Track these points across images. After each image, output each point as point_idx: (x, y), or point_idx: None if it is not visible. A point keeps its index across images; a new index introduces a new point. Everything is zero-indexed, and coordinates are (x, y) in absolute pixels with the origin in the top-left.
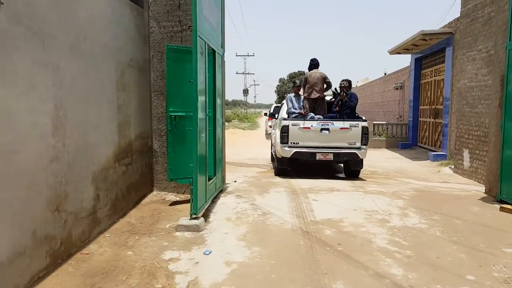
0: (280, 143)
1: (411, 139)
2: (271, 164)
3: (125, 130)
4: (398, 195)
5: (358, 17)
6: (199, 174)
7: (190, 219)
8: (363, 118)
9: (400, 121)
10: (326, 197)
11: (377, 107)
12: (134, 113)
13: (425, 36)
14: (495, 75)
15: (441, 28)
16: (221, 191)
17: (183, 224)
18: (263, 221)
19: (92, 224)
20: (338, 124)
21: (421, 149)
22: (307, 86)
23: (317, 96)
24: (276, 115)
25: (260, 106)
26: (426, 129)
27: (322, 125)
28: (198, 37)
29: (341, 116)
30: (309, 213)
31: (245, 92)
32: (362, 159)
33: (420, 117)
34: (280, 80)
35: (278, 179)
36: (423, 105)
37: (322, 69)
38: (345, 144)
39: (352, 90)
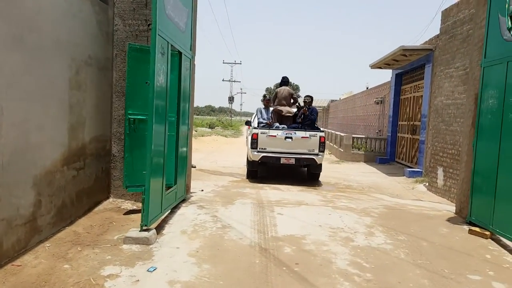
0: (251, 148)
1: (389, 154)
2: (245, 174)
3: (78, 132)
4: (367, 212)
5: (343, 28)
6: (153, 182)
7: (140, 231)
8: (321, 129)
9: (380, 135)
10: (293, 211)
11: (359, 121)
12: (90, 114)
13: (405, 51)
14: (469, 93)
15: (421, 44)
16: (183, 201)
17: (131, 236)
18: (221, 235)
19: (31, 233)
20: (300, 133)
21: (398, 164)
22: (276, 100)
23: (284, 110)
24: (249, 123)
25: (246, 114)
26: (404, 145)
27: (286, 134)
28: (158, 35)
29: (303, 127)
30: (272, 228)
31: (231, 99)
32: (320, 164)
33: (399, 133)
34: (267, 89)
35: (248, 190)
36: (402, 121)
37: (304, 82)
38: (305, 151)
39: (335, 102)
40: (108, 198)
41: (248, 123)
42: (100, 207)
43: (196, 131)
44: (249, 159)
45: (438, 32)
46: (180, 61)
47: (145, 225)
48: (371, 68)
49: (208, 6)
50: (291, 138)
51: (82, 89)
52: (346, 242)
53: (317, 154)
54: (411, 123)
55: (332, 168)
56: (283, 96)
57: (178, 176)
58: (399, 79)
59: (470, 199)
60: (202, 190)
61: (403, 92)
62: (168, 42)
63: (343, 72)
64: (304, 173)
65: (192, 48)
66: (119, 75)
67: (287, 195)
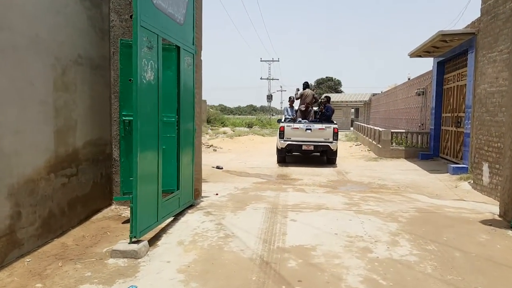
0: (279, 138)
1: (432, 149)
2: (273, 174)
3: (68, 136)
4: (395, 216)
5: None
6: (144, 189)
7: (129, 243)
8: (335, 122)
9: (422, 129)
10: (308, 216)
11: (401, 114)
12: (83, 117)
13: (444, 37)
14: None
15: (463, 28)
16: (191, 206)
17: (119, 249)
18: (221, 246)
19: (8, 247)
20: (317, 125)
21: (442, 160)
22: (301, 100)
23: (305, 107)
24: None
25: (284, 107)
26: (449, 139)
27: (306, 126)
28: (140, 27)
29: (320, 121)
30: (279, 238)
31: (269, 98)
32: (335, 150)
33: (443, 126)
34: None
35: (268, 193)
36: (446, 113)
37: (346, 76)
38: (322, 139)
39: (377, 96)
40: (110, 205)
41: (279, 121)
42: (99, 215)
43: (233, 131)
44: (278, 147)
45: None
46: (178, 56)
47: (134, 237)
48: (410, 57)
49: (242, 6)
50: (310, 129)
51: (71, 90)
52: (363, 254)
53: (331, 142)
54: (455, 114)
55: (368, 166)
56: (306, 96)
57: (181, 181)
58: (442, 68)
59: None
60: (217, 194)
61: (446, 81)
62: (157, 35)
63: (385, 64)
64: (334, 172)
65: (196, 42)
66: (118, 74)
67: (309, 198)
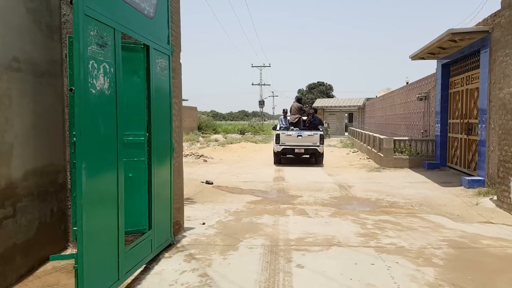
0: (275, 143)
1: (439, 158)
2: (269, 190)
3: None
4: (426, 255)
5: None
6: (94, 240)
7: None
8: (321, 129)
9: (425, 136)
10: (319, 260)
11: (399, 120)
12: (22, 139)
13: (454, 36)
14: None
15: (474, 26)
16: (170, 246)
17: None
18: None
19: None
20: (307, 132)
21: (451, 170)
22: (292, 111)
23: (297, 118)
24: (276, 127)
25: (279, 117)
26: (458, 147)
27: (298, 133)
28: (85, 16)
29: (309, 129)
30: None
31: (261, 103)
32: (321, 152)
33: (450, 132)
34: (299, 91)
35: (265, 218)
36: (453, 119)
37: (337, 80)
38: (311, 144)
39: (371, 101)
40: (65, 248)
41: (274, 128)
42: (48, 265)
43: (225, 138)
44: (274, 151)
45: (496, 11)
46: (148, 58)
47: None
48: (412, 59)
49: (232, 11)
50: (301, 135)
51: (2, 105)
52: None
53: (318, 146)
54: (465, 121)
55: (371, 178)
56: (296, 109)
57: (154, 218)
58: (447, 70)
59: None
60: (204, 223)
61: (452, 85)
62: (114, 29)
63: (378, 69)
64: (336, 189)
65: (172, 41)
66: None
67: (315, 226)
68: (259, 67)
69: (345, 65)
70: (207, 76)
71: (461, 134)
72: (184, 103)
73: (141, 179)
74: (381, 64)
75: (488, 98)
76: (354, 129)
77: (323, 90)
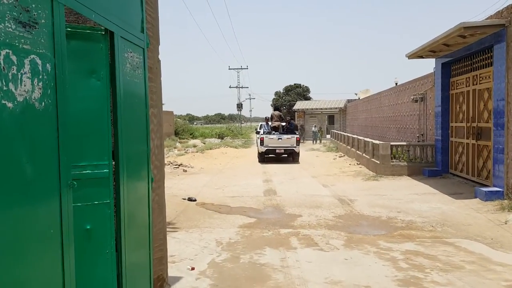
0: (260, 145)
1: (440, 164)
2: (262, 208)
3: None
4: None
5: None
6: None
7: None
8: (297, 133)
9: (422, 140)
10: None
11: (388, 122)
12: None
13: (466, 31)
14: None
15: (487, 19)
16: None
17: None
18: None
19: None
20: (286, 136)
21: (456, 178)
22: (273, 119)
23: (277, 124)
24: (258, 132)
25: (256, 119)
26: (463, 153)
27: (278, 136)
28: None
29: (287, 133)
30: None
31: (239, 106)
32: (298, 152)
33: (452, 137)
34: (276, 93)
35: (268, 254)
36: (456, 122)
37: (315, 82)
38: (289, 145)
39: (354, 102)
40: None
41: (257, 132)
42: None
43: (204, 143)
44: (259, 151)
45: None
46: (112, 50)
47: None
48: (409, 58)
49: (210, 11)
50: (281, 138)
51: None
52: None
53: (295, 147)
54: (473, 124)
55: (371, 189)
56: (276, 116)
57: (126, 280)
58: (447, 70)
59: None
60: (193, 269)
61: (453, 85)
62: (51, 2)
63: (357, 70)
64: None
65: (149, 29)
66: None
67: (334, 266)
68: (236, 69)
69: (321, 67)
70: (182, 78)
71: (468, 138)
72: None
73: (105, 232)
74: (357, 66)
75: (506, 100)
76: (338, 132)
77: (300, 92)
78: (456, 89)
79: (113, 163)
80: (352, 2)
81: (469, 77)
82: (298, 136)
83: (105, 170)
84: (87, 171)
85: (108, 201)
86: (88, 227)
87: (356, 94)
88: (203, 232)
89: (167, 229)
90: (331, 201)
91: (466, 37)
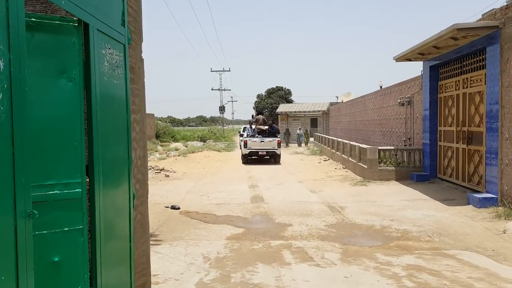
0: (244, 147)
1: (428, 169)
2: (249, 216)
3: None
4: None
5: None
6: None
7: None
8: (278, 136)
9: (409, 144)
10: None
11: (373, 126)
12: None
13: (459, 32)
14: None
15: (479, 21)
16: None
17: None
18: None
19: None
20: (268, 138)
21: (445, 183)
22: (258, 122)
23: (260, 128)
24: (242, 135)
25: (238, 122)
26: (452, 157)
27: (261, 139)
28: None
29: (269, 136)
30: None
31: (222, 109)
32: (279, 154)
33: (441, 141)
34: (258, 96)
35: (261, 272)
36: (445, 126)
37: (296, 85)
38: (271, 147)
39: (337, 105)
40: None
41: (241, 135)
42: None
43: (186, 146)
44: (242, 153)
45: (507, 3)
46: (86, 44)
47: None
48: (396, 60)
49: (192, 11)
50: (263, 141)
51: None
52: None
53: (276, 149)
54: (463, 129)
55: (360, 195)
56: (260, 120)
57: None
58: (435, 73)
59: None
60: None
61: (442, 88)
62: None
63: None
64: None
65: (130, 24)
66: None
67: (334, 285)
68: (218, 72)
69: (303, 70)
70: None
71: (458, 143)
72: None
73: (77, 265)
74: (338, 70)
75: (499, 103)
76: (322, 135)
77: (282, 94)
78: (445, 92)
79: (87, 180)
80: (334, 5)
81: (458, 80)
82: (279, 139)
83: (77, 190)
84: (55, 192)
85: (81, 226)
86: (56, 259)
87: (337, 98)
88: (188, 245)
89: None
90: (321, 209)
91: (457, 39)
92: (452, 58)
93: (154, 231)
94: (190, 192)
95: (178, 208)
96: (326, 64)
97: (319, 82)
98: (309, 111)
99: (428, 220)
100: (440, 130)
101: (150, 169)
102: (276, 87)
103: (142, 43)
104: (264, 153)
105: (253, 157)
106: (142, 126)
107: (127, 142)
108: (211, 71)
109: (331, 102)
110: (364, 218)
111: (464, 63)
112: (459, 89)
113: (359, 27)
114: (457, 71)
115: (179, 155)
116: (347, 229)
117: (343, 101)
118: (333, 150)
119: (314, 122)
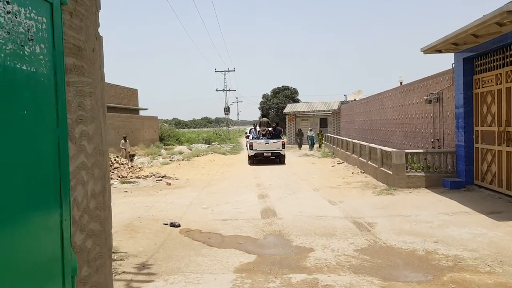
0: (249, 149)
1: (463, 174)
2: (261, 237)
3: None
4: None
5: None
6: None
7: None
8: (283, 138)
9: (438, 146)
10: None
11: (392, 126)
12: None
13: (509, 15)
14: None
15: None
16: None
17: None
18: None
19: None
20: (272, 140)
21: (484, 191)
22: (262, 125)
23: (265, 130)
24: (248, 136)
25: (244, 123)
26: (493, 162)
27: (266, 141)
28: None
29: (273, 137)
30: None
31: (227, 110)
32: (284, 155)
33: (478, 143)
34: (264, 96)
35: None
36: (483, 126)
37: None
38: (275, 149)
39: (349, 104)
40: None
41: (247, 136)
42: None
43: (191, 149)
44: (248, 155)
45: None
46: (52, 22)
47: None
48: (425, 52)
49: (196, 11)
50: (268, 143)
51: None
52: None
53: (281, 150)
54: (509, 129)
55: (388, 207)
56: (264, 123)
57: None
58: (470, 66)
59: None
60: None
61: (478, 83)
62: None
63: (346, 72)
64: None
65: None
66: None
67: None
68: (223, 72)
69: (309, 69)
70: (167, 83)
71: (500, 145)
72: (144, 113)
73: None
74: (346, 68)
75: None
76: (333, 135)
77: (288, 94)
78: (482, 87)
79: None
80: (340, 4)
81: (501, 73)
82: (283, 140)
83: None
84: None
85: None
86: None
87: (346, 96)
88: (187, 283)
89: (139, 277)
90: (345, 226)
91: (503, 25)
92: (491, 48)
93: (147, 260)
94: (193, 203)
95: (178, 226)
96: (335, 62)
97: (326, 81)
98: (318, 111)
99: (480, 242)
100: (477, 131)
101: (151, 176)
102: (282, 86)
103: (99, 12)
104: (269, 154)
105: (259, 157)
106: (98, 143)
107: (57, 176)
108: (216, 71)
109: (342, 101)
110: (400, 239)
111: (509, 53)
112: (501, 84)
113: (366, 26)
114: (498, 63)
115: (182, 159)
116: (383, 256)
117: (356, 100)
118: (348, 152)
119: (323, 122)
